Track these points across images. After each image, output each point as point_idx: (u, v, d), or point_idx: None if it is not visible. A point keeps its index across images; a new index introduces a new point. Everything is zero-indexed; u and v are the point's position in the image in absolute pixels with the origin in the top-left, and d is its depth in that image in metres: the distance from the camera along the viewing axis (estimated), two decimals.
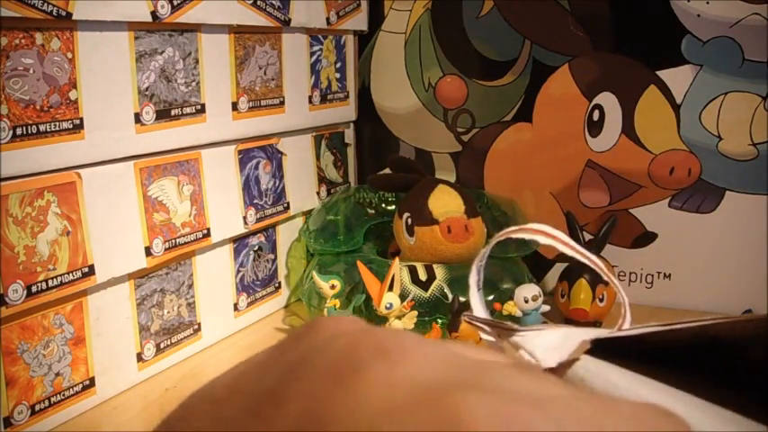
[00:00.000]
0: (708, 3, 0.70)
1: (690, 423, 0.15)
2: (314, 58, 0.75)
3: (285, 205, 0.73)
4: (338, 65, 0.80)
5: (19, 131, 0.46)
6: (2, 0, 0.43)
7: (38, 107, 0.47)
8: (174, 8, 0.55)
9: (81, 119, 0.50)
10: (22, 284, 0.47)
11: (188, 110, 0.59)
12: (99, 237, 0.52)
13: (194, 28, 0.59)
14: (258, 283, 0.71)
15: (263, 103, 0.68)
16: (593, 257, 0.21)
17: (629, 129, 0.74)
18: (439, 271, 0.66)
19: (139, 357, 0.58)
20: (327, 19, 0.75)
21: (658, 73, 0.72)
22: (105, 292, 0.54)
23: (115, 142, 0.53)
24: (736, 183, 0.72)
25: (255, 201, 0.68)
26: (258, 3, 0.64)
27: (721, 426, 0.15)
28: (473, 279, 0.24)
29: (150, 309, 0.58)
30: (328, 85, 0.78)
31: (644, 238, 0.76)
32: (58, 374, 0.51)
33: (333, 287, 0.64)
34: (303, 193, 0.76)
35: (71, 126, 0.49)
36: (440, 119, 0.83)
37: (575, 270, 0.67)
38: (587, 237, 0.71)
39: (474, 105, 0.81)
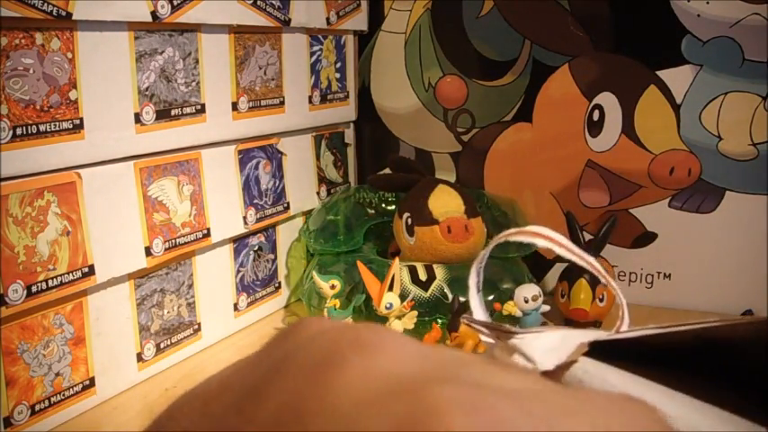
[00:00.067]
0: (708, 3, 0.70)
1: (688, 423, 0.15)
2: (314, 58, 0.75)
3: (285, 205, 0.73)
4: (338, 65, 0.80)
5: (19, 131, 0.46)
6: (2, 0, 0.43)
7: (38, 107, 0.47)
8: (174, 8, 0.55)
9: (81, 119, 0.50)
10: (22, 284, 0.47)
11: (188, 110, 0.59)
12: (99, 237, 0.52)
13: (194, 28, 0.59)
14: (258, 283, 0.71)
15: (263, 103, 0.68)
16: (592, 260, 0.21)
17: (629, 129, 0.74)
18: (439, 271, 0.66)
19: (139, 357, 0.58)
20: (327, 19, 0.75)
21: (658, 73, 0.72)
22: (105, 292, 0.54)
23: (115, 142, 0.53)
24: (737, 183, 0.72)
25: (255, 201, 0.68)
26: (258, 3, 0.64)
27: (719, 426, 0.15)
28: (473, 281, 0.24)
29: (150, 309, 0.58)
30: (328, 85, 0.78)
31: (644, 238, 0.76)
32: (58, 374, 0.51)
33: (333, 287, 0.64)
34: (303, 193, 0.76)
35: (71, 126, 0.49)
36: (440, 119, 0.83)
37: (575, 270, 0.67)
38: (587, 237, 0.71)
39: (474, 105, 0.81)
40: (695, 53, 0.71)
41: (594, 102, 0.75)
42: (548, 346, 0.17)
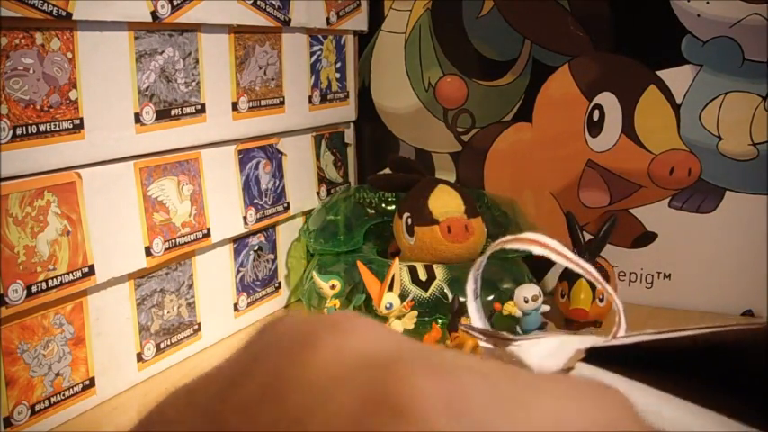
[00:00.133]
0: (708, 3, 0.70)
1: (683, 426, 0.15)
2: (314, 58, 0.75)
3: (285, 205, 0.73)
4: (338, 65, 0.80)
5: (19, 131, 0.46)
6: (2, 0, 0.43)
7: (38, 107, 0.47)
8: (174, 8, 0.55)
9: (81, 119, 0.50)
10: (22, 284, 0.47)
11: (188, 110, 0.59)
12: (99, 237, 0.52)
13: (194, 28, 0.59)
14: (258, 283, 0.71)
15: (263, 103, 0.68)
16: (588, 267, 0.21)
17: (629, 129, 0.74)
18: (439, 271, 0.66)
19: (139, 357, 0.58)
20: (327, 19, 0.75)
21: (658, 73, 0.72)
22: (105, 292, 0.54)
23: (115, 142, 0.53)
24: (736, 183, 0.71)
25: (255, 201, 0.68)
26: (258, 3, 0.64)
27: (715, 429, 0.15)
28: (470, 288, 0.24)
29: (150, 309, 0.58)
30: (328, 85, 0.78)
31: (644, 238, 0.76)
32: (58, 374, 0.51)
33: (333, 287, 0.64)
34: (303, 193, 0.76)
35: (71, 126, 0.49)
36: (440, 119, 0.83)
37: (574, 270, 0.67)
38: (587, 237, 0.71)
39: (474, 105, 0.81)
40: (695, 53, 0.71)
41: (594, 102, 0.75)
42: (545, 352, 0.18)
